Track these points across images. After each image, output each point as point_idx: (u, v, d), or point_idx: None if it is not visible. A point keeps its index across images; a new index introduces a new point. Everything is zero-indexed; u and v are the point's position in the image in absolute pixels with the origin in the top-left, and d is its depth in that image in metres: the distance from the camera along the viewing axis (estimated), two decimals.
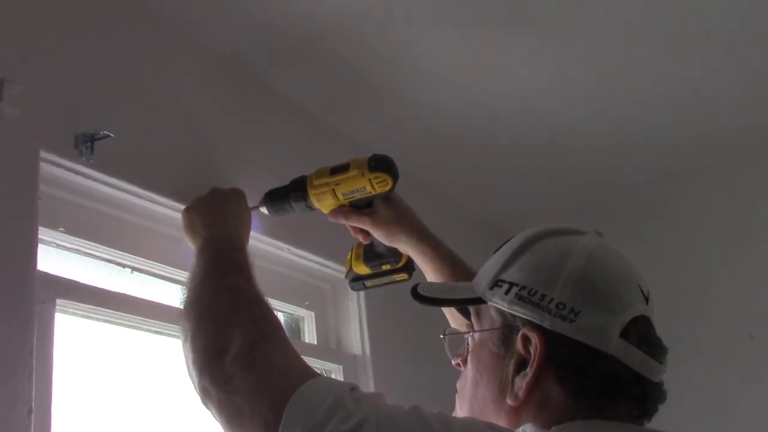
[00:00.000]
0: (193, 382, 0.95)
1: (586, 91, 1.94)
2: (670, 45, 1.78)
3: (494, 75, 1.83)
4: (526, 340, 0.82)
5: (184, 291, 1.12)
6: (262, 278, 1.73)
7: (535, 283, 0.83)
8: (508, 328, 0.84)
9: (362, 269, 1.33)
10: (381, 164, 1.21)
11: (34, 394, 1.03)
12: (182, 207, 1.36)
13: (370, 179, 1.21)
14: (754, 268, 2.35)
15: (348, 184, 1.23)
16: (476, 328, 0.90)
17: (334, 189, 1.24)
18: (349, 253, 1.35)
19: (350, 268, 1.35)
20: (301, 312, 1.79)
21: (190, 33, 1.53)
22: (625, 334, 0.80)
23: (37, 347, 1.06)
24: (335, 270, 1.79)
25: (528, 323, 0.82)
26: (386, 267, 1.30)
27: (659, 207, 2.55)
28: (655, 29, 1.72)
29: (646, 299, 0.85)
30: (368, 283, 1.34)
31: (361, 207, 1.26)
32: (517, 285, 0.84)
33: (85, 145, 1.21)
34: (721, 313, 2.35)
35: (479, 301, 0.88)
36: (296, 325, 1.80)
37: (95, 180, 1.26)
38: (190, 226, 1.26)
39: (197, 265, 1.14)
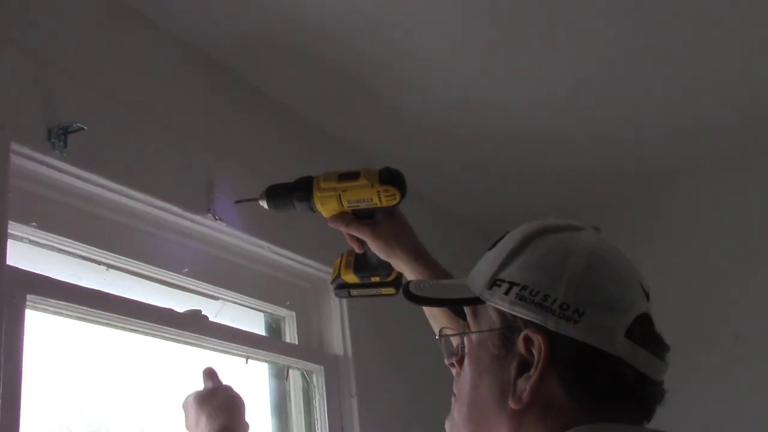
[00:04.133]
0: None
1: (587, 85, 1.94)
2: (671, 39, 1.78)
3: (492, 71, 1.82)
4: (528, 342, 0.79)
5: None
6: (242, 277, 1.70)
7: (537, 283, 0.80)
8: (508, 329, 0.81)
9: (350, 278, 1.30)
10: (392, 178, 1.19)
11: (1, 392, 1.00)
12: (158, 202, 1.34)
13: (378, 191, 1.19)
14: (738, 268, 2.35)
15: (355, 193, 1.21)
16: (473, 328, 0.87)
17: (340, 195, 1.23)
18: (338, 259, 1.32)
19: (338, 275, 1.32)
20: (282, 312, 1.77)
21: (170, 28, 1.50)
22: (629, 333, 0.78)
23: (6, 344, 1.03)
24: (317, 269, 1.77)
25: (530, 324, 0.79)
26: (375, 279, 1.29)
27: (644, 208, 2.55)
28: (658, 24, 1.72)
29: (647, 296, 0.83)
30: (354, 292, 1.32)
31: (362, 217, 1.25)
32: (517, 285, 0.81)
33: (58, 138, 1.18)
34: (706, 314, 2.34)
35: (477, 300, 0.85)
36: (277, 325, 1.77)
37: (69, 174, 1.23)
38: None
39: None
